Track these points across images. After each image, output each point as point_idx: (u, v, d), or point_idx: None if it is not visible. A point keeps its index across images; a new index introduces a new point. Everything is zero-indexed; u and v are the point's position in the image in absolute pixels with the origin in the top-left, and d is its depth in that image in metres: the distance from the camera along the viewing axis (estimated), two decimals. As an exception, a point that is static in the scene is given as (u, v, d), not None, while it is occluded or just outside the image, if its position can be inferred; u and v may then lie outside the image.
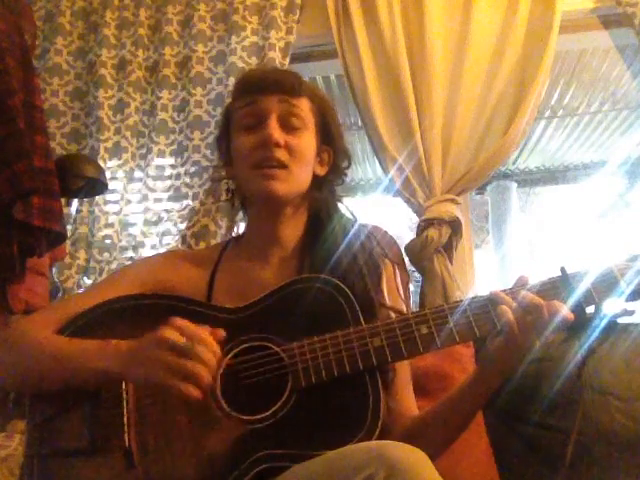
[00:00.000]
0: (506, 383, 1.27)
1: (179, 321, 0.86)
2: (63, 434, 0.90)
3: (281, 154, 1.04)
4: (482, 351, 0.96)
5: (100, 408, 0.89)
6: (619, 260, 0.95)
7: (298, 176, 1.06)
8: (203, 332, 0.85)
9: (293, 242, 1.10)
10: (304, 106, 1.08)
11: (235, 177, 1.14)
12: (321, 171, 1.12)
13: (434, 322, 0.91)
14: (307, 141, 1.08)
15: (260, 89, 1.07)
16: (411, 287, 1.54)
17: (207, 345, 0.84)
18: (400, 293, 1.10)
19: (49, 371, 0.93)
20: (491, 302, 0.91)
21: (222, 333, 0.88)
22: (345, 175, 1.18)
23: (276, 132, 1.03)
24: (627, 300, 0.93)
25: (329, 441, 0.82)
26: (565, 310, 0.88)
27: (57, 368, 0.92)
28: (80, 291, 1.88)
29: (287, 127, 1.06)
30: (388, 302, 1.04)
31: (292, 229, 1.10)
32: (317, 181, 1.12)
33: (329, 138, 1.12)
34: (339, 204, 1.14)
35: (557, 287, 0.92)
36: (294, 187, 1.06)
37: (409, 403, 1.06)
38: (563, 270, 0.93)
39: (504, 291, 0.93)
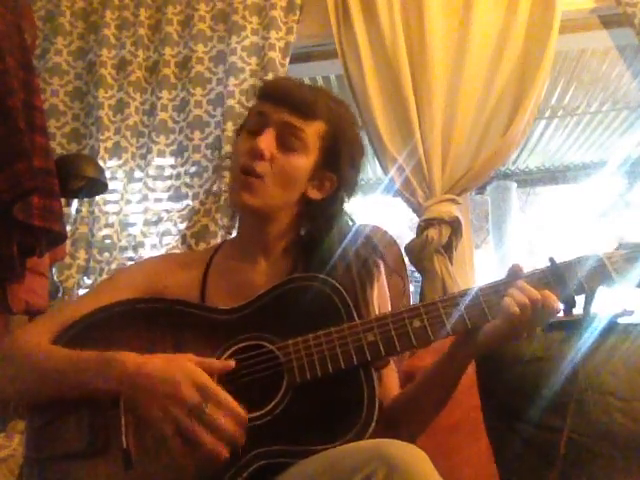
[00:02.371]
0: (506, 383, 1.28)
1: (199, 378, 0.84)
2: (61, 437, 0.90)
3: (261, 166, 1.02)
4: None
5: (98, 410, 0.89)
6: (608, 248, 0.95)
7: (272, 191, 1.04)
8: (220, 392, 0.83)
9: (281, 250, 1.11)
10: (313, 130, 1.05)
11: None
12: (315, 195, 1.09)
13: (427, 316, 0.92)
14: (298, 164, 1.05)
15: (273, 100, 1.05)
16: (411, 287, 1.54)
17: (220, 406, 0.82)
18: (388, 307, 1.10)
19: (46, 386, 0.92)
20: (488, 301, 0.91)
21: (232, 364, 0.88)
22: (347, 201, 1.13)
23: (264, 144, 1.02)
24: (637, 286, 0.93)
25: (326, 436, 0.83)
26: (555, 301, 0.89)
27: (55, 384, 0.91)
28: (79, 292, 1.88)
29: (283, 145, 1.04)
30: (377, 312, 1.04)
31: (280, 242, 1.11)
32: (311, 204, 1.09)
33: (335, 166, 1.08)
34: (335, 230, 1.10)
35: (546, 277, 0.93)
36: (268, 202, 1.04)
37: (391, 386, 1.08)
38: (552, 260, 0.94)
39: (495, 284, 0.94)
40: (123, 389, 0.85)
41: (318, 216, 1.10)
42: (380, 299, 1.09)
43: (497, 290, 0.93)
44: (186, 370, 0.84)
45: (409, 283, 1.51)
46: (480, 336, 0.94)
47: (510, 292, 0.90)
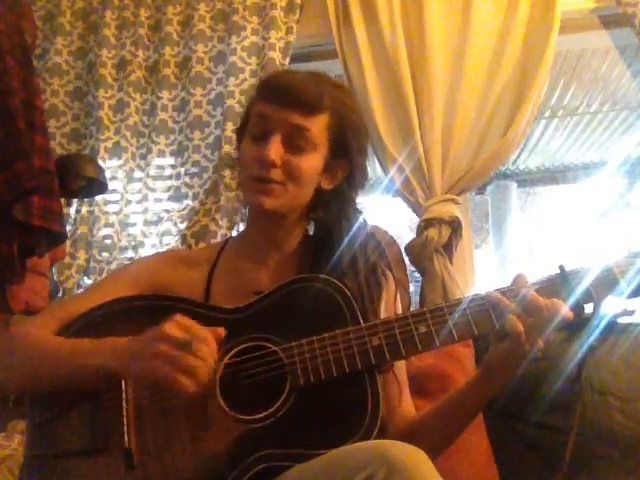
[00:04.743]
0: (506, 383, 1.27)
1: (179, 317, 0.86)
2: (63, 435, 0.90)
3: (276, 174, 1.01)
4: (485, 356, 0.95)
5: (100, 409, 0.89)
6: (618, 257, 0.94)
7: (293, 194, 1.03)
8: (203, 329, 0.85)
9: (291, 248, 1.10)
10: (319, 124, 1.03)
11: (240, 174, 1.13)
12: (328, 185, 1.08)
13: (433, 321, 0.91)
14: (310, 162, 1.03)
15: (275, 100, 1.02)
16: (411, 287, 1.54)
17: (206, 342, 0.84)
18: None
19: (47, 372, 0.93)
20: (494, 308, 0.90)
21: (222, 332, 0.88)
22: (361, 188, 1.12)
23: (274, 152, 1.00)
24: (628, 297, 0.92)
25: (328, 440, 0.82)
26: (564, 308, 0.88)
27: (55, 368, 0.92)
28: (79, 291, 1.88)
29: (291, 146, 1.02)
30: None
31: (291, 237, 1.10)
32: (324, 195, 1.08)
33: (345, 153, 1.07)
34: (348, 217, 1.09)
35: (556, 285, 0.92)
36: (287, 203, 1.03)
37: (406, 403, 1.06)
38: (562, 268, 0.93)
39: (503, 291, 0.93)
40: (119, 361, 0.87)
41: (330, 203, 1.08)
42: (387, 312, 1.07)
43: (504, 296, 0.92)
44: (168, 318, 0.86)
45: (409, 283, 1.51)
46: (496, 360, 0.92)
47: (512, 309, 0.88)
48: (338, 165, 1.07)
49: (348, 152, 1.07)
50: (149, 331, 0.87)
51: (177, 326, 0.84)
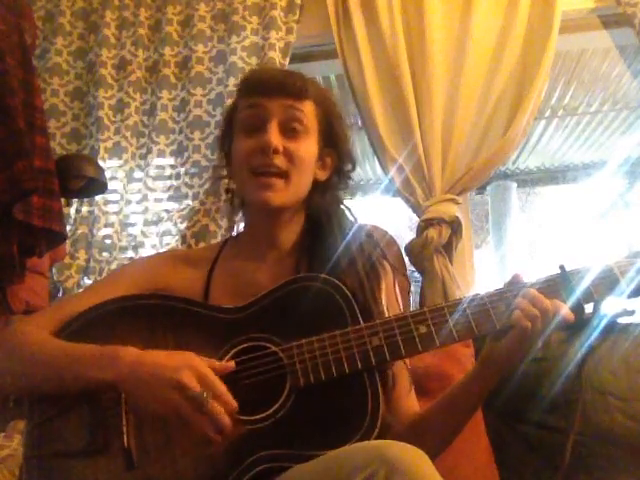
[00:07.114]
0: (506, 383, 1.28)
1: (197, 362, 0.86)
2: (62, 435, 0.90)
3: (280, 161, 1.02)
4: (483, 350, 0.96)
5: (99, 409, 0.89)
6: (618, 257, 0.94)
7: (297, 184, 1.04)
8: (217, 382, 0.85)
9: (289, 244, 1.10)
10: (308, 110, 1.05)
11: (234, 178, 1.13)
12: (322, 175, 1.10)
13: (433, 321, 0.90)
14: (308, 146, 1.05)
15: (264, 91, 1.04)
16: (411, 287, 1.54)
17: (219, 398, 0.84)
18: (399, 302, 1.09)
19: (45, 377, 0.92)
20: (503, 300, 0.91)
21: (232, 365, 0.89)
22: (349, 178, 1.15)
23: (275, 138, 1.01)
24: (628, 297, 0.92)
25: (328, 441, 0.82)
26: (565, 310, 0.88)
27: (53, 375, 0.91)
28: (78, 291, 1.88)
29: (288, 132, 1.03)
30: (386, 312, 1.02)
31: (289, 232, 1.10)
32: (318, 186, 1.09)
33: (333, 141, 1.10)
34: (341, 207, 1.11)
35: (556, 285, 0.92)
36: (292, 196, 1.04)
37: (410, 401, 1.06)
38: (562, 268, 0.93)
39: (501, 291, 0.93)
40: (121, 379, 0.86)
41: (324, 195, 1.10)
42: (388, 299, 1.07)
43: (504, 297, 0.92)
44: (187, 359, 0.86)
45: (410, 283, 1.51)
46: (495, 356, 0.92)
47: (519, 304, 0.89)
48: (327, 154, 1.10)
49: (336, 140, 1.10)
50: (160, 358, 0.87)
51: (193, 376, 0.84)
